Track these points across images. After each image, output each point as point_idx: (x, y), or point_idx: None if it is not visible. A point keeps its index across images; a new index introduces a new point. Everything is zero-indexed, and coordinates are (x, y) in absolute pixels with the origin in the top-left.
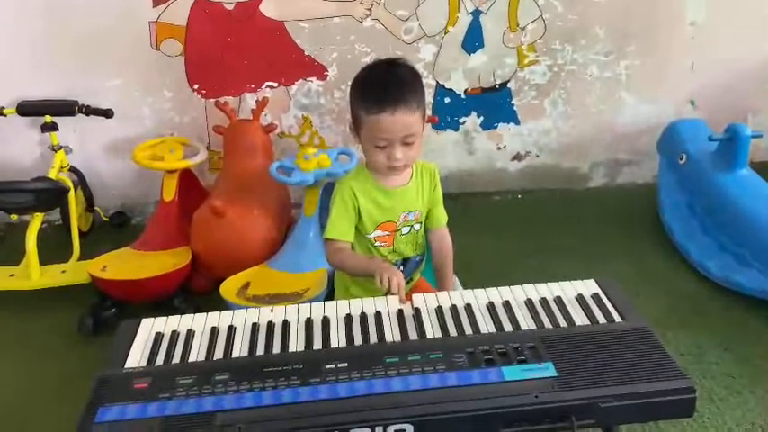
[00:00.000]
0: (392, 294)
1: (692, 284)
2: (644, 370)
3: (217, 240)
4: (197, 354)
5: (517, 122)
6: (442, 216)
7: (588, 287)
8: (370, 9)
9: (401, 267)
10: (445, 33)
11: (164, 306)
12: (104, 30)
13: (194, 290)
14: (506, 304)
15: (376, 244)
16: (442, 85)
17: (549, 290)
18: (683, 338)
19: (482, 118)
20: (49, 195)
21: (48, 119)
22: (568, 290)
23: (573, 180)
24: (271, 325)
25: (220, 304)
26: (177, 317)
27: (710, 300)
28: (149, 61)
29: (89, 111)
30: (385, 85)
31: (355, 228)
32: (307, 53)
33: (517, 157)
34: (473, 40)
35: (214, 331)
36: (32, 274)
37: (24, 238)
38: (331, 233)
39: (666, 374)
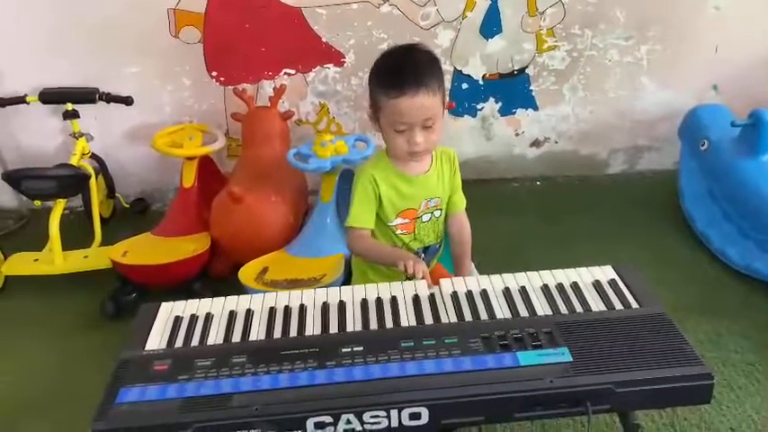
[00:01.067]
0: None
1: (713, 271)
2: (661, 356)
3: (235, 226)
4: (215, 337)
5: (535, 108)
6: (460, 201)
7: (605, 273)
8: None
9: (422, 255)
10: (463, 18)
11: (183, 291)
12: (124, 17)
13: (213, 275)
14: (522, 290)
15: (398, 232)
16: (460, 71)
17: (565, 276)
18: (702, 325)
19: (500, 104)
20: (71, 182)
21: (69, 106)
22: (585, 276)
23: (592, 166)
24: (288, 309)
25: (239, 289)
26: (196, 301)
27: (731, 287)
28: (168, 49)
29: (109, 98)
30: (404, 68)
31: (377, 216)
32: (324, 40)
33: (535, 144)
34: (491, 25)
35: (232, 315)
36: (56, 259)
37: (47, 223)
38: (353, 221)
39: (684, 360)
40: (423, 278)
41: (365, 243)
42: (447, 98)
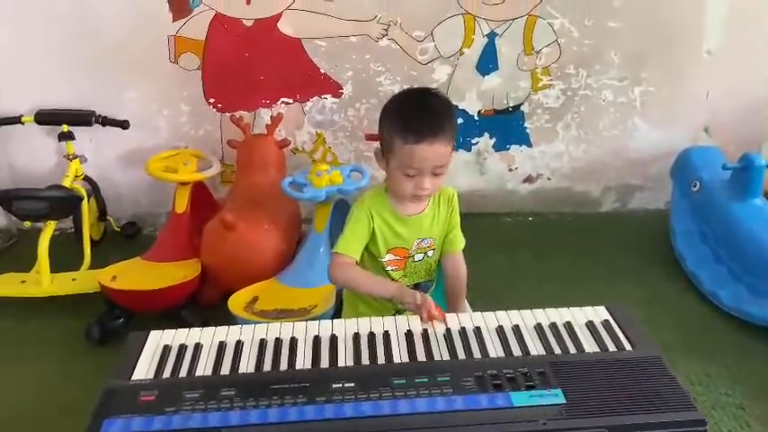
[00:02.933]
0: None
1: (704, 313)
2: (654, 400)
3: (227, 253)
4: (204, 368)
5: (529, 145)
6: (458, 241)
7: (599, 314)
8: (386, 29)
9: None
10: (460, 55)
11: (171, 317)
12: (124, 42)
13: (203, 302)
14: (516, 328)
15: (388, 268)
16: (456, 106)
17: (559, 315)
18: (693, 367)
19: (494, 139)
20: (63, 203)
21: (65, 128)
22: (578, 316)
23: (584, 204)
24: (278, 341)
25: (228, 317)
26: (186, 330)
27: (722, 329)
28: (167, 74)
29: (106, 121)
30: (425, 115)
31: (368, 249)
32: (323, 71)
33: (529, 180)
34: (488, 63)
35: (222, 346)
36: (43, 281)
37: (37, 244)
38: (342, 248)
39: (677, 405)
40: (435, 312)
41: (350, 271)
42: None
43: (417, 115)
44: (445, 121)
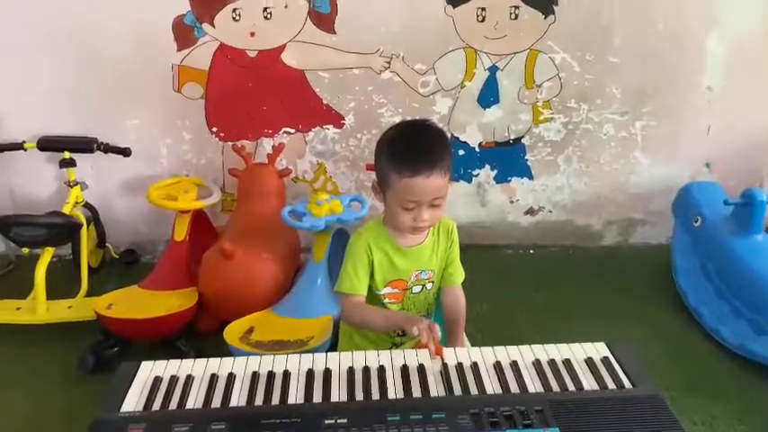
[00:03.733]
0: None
1: (706, 350)
2: None
3: (224, 282)
4: (195, 401)
5: (531, 177)
6: (457, 274)
7: (598, 350)
8: (389, 62)
9: None
10: (461, 88)
11: (167, 346)
12: (128, 70)
13: (199, 330)
14: (514, 364)
15: (386, 301)
16: (457, 138)
17: (558, 351)
18: (695, 406)
19: (495, 171)
20: (62, 230)
21: (66, 155)
22: (578, 352)
23: (586, 237)
24: (271, 374)
25: (224, 347)
26: (177, 361)
27: (725, 367)
28: (170, 103)
29: (107, 149)
30: (420, 148)
31: None
32: (325, 102)
33: (530, 212)
34: (489, 96)
35: (213, 378)
36: (39, 308)
37: (34, 270)
38: (348, 287)
39: None
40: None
41: (364, 311)
42: None
43: (413, 149)
44: (441, 153)
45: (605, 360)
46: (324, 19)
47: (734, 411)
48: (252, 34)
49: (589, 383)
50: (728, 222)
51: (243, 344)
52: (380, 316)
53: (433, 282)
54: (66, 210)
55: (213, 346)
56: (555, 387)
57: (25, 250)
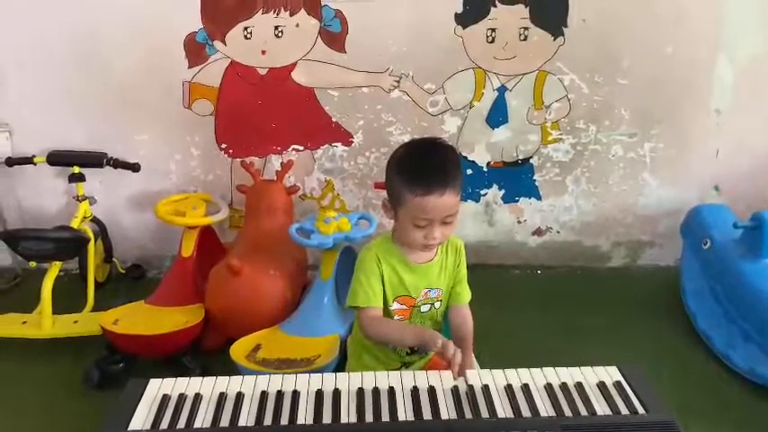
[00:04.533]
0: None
1: (716, 374)
2: None
3: (231, 298)
4: (203, 420)
5: (539, 198)
6: (465, 294)
7: (610, 374)
8: (398, 81)
9: None
10: (470, 108)
11: (172, 363)
12: (138, 86)
13: (205, 348)
14: (525, 387)
15: (395, 317)
16: (465, 157)
17: (569, 375)
18: (704, 431)
19: (503, 191)
20: (70, 245)
21: (75, 169)
22: (590, 376)
23: (594, 258)
24: (280, 394)
25: (230, 365)
26: (186, 379)
27: (735, 391)
28: (180, 119)
29: (117, 164)
30: (433, 167)
31: None
32: (334, 120)
33: (537, 232)
34: (497, 116)
35: (222, 397)
36: (44, 322)
37: (41, 284)
38: (364, 301)
39: None
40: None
41: (384, 326)
42: None
43: (426, 167)
44: (453, 171)
45: (617, 384)
46: (334, 38)
47: None
48: (263, 52)
49: (602, 408)
50: (738, 245)
51: (249, 362)
52: (404, 330)
53: (441, 300)
54: (75, 224)
55: (219, 363)
56: (567, 411)
57: (32, 264)
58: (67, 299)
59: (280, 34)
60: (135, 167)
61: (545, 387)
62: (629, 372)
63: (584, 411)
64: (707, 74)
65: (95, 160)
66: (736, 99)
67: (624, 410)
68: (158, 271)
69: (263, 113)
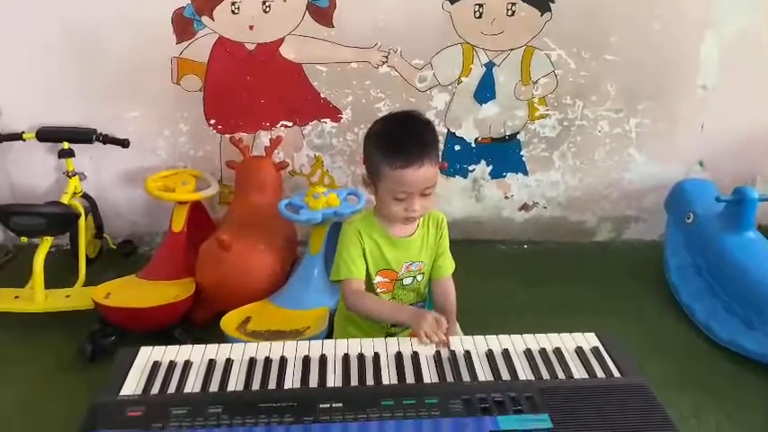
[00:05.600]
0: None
1: (698, 345)
2: (640, 428)
3: (222, 273)
4: (193, 385)
5: (525, 173)
6: (447, 266)
7: (588, 340)
8: (386, 56)
9: None
10: (458, 83)
11: (163, 336)
12: (127, 62)
13: (195, 322)
14: (505, 353)
15: (378, 290)
16: (453, 133)
17: (548, 341)
18: (685, 400)
19: (491, 167)
20: (61, 220)
21: (65, 145)
22: (568, 342)
23: (579, 233)
24: (268, 360)
25: (220, 337)
26: (176, 347)
27: (715, 362)
28: (169, 95)
29: (106, 139)
30: (410, 140)
31: None
32: (323, 96)
33: (524, 208)
34: (485, 91)
35: (211, 363)
36: (37, 297)
37: (32, 260)
38: (346, 273)
39: None
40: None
41: (369, 300)
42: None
43: (403, 140)
44: (431, 143)
45: (595, 350)
46: (322, 13)
47: (724, 406)
48: (251, 27)
49: (579, 372)
50: (720, 219)
51: (240, 333)
52: (386, 306)
53: (423, 273)
54: (65, 200)
55: (209, 336)
56: (545, 375)
57: (24, 239)
58: (59, 275)
59: (267, 9)
60: (124, 143)
61: (524, 352)
62: (607, 338)
63: (561, 375)
64: (693, 50)
65: (85, 136)
66: (722, 75)
67: (600, 374)
68: (149, 247)
69: (251, 89)
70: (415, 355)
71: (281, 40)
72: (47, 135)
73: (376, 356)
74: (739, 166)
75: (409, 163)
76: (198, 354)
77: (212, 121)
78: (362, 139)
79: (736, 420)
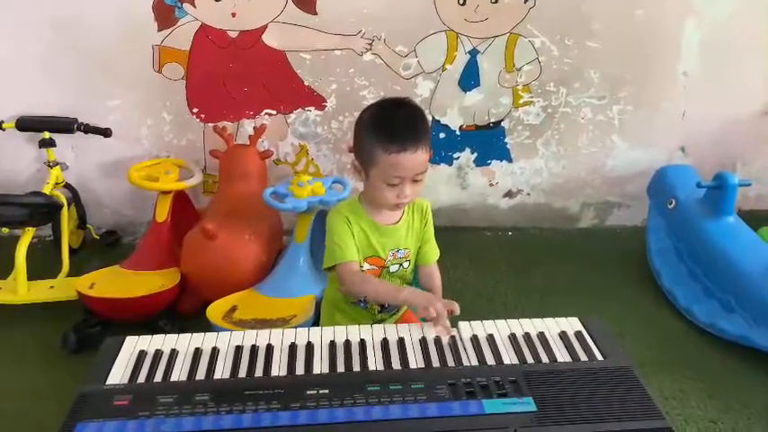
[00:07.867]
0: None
1: (678, 329)
2: (623, 409)
3: (207, 263)
4: (179, 374)
5: (510, 160)
6: (432, 253)
7: (572, 324)
8: (370, 44)
9: None
10: (443, 71)
11: (148, 326)
12: (109, 51)
13: (181, 312)
14: (490, 338)
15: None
16: (438, 121)
17: (532, 325)
18: (667, 382)
19: (476, 154)
20: (43, 210)
21: (46, 135)
22: (552, 326)
23: (563, 220)
24: (254, 348)
25: (206, 327)
26: (162, 336)
27: (696, 345)
28: (151, 84)
29: (88, 129)
30: (405, 125)
31: None
32: (306, 83)
33: (509, 195)
34: (469, 79)
35: (197, 352)
36: (20, 288)
37: (14, 251)
38: (341, 256)
39: (645, 414)
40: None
41: (369, 281)
42: None
43: (398, 125)
44: (424, 129)
45: (578, 334)
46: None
47: (704, 387)
48: (233, 15)
49: (562, 356)
50: (701, 205)
51: (226, 322)
52: (390, 286)
53: (409, 260)
54: (47, 190)
55: (195, 326)
56: (529, 359)
57: (5, 230)
58: (42, 266)
59: None
60: (106, 133)
61: (509, 337)
62: (590, 322)
63: (545, 359)
64: (675, 37)
65: (65, 125)
66: (703, 62)
67: (584, 357)
68: (133, 237)
69: (234, 77)
70: (401, 341)
71: (264, 28)
72: (26, 125)
73: (362, 343)
74: (720, 152)
75: (405, 147)
76: (184, 342)
77: (195, 110)
78: (347, 127)
79: (717, 400)
